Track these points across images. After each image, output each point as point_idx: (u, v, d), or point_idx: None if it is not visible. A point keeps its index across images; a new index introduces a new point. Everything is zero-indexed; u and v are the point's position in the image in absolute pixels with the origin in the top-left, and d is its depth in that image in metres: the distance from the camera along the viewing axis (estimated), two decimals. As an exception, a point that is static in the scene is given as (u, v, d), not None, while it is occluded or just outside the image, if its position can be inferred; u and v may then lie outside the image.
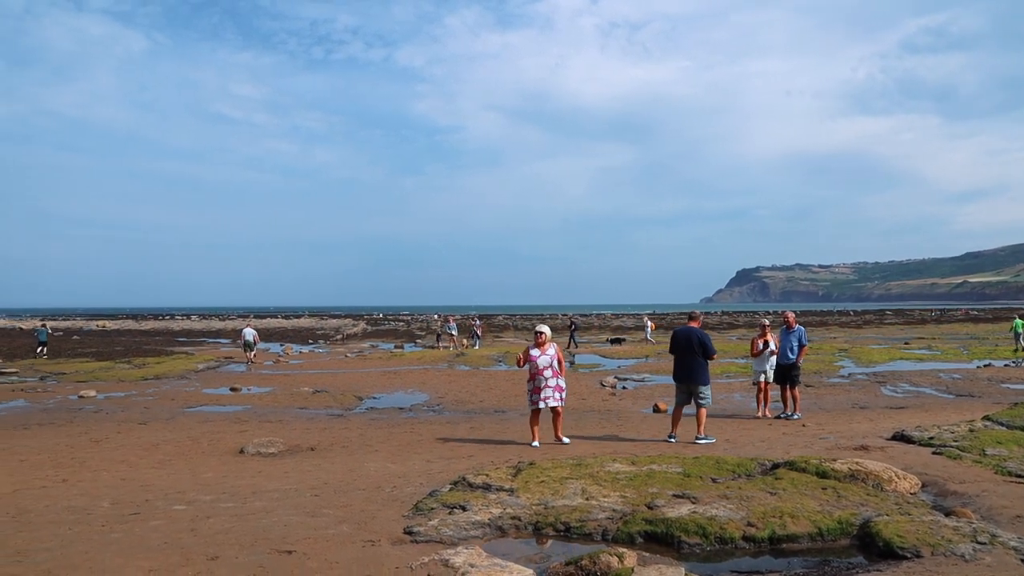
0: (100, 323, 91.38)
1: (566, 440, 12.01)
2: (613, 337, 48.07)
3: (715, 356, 12.51)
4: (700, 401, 12.09)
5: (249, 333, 31.78)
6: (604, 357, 34.18)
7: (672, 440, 11.92)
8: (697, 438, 11.82)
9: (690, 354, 12.09)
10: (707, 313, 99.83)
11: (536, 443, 11.77)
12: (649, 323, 42.98)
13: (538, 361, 11.88)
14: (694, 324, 12.39)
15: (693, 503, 7.04)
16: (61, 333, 66.84)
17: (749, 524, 6.44)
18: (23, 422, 16.09)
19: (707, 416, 12.38)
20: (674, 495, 7.34)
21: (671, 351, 12.51)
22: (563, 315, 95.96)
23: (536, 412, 12.05)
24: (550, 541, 6.56)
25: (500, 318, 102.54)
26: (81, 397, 20.37)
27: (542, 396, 11.87)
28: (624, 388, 21.00)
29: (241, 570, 5.64)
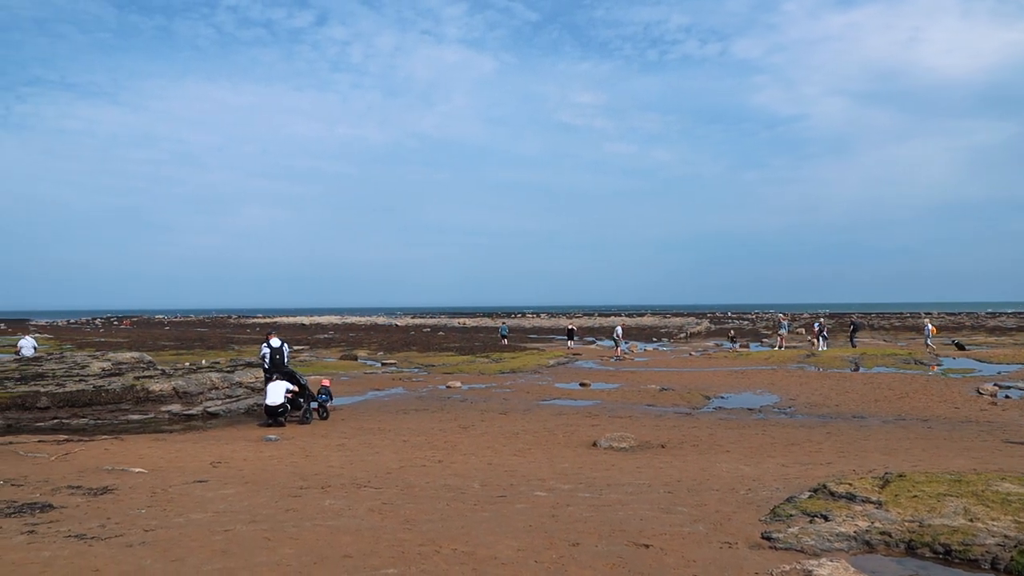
0: (461, 320, 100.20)
1: None
2: (957, 340, 43.25)
3: None
4: None
5: (619, 329, 39.10)
6: (979, 361, 30.60)
7: None
8: None
9: None
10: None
11: None
12: (929, 326, 38.60)
13: None
14: None
15: (1110, 535, 5.99)
16: (428, 329, 74.33)
17: None
18: (403, 407, 18.11)
19: None
20: (1083, 524, 6.31)
21: None
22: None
23: None
24: (926, 563, 5.96)
25: (854, 317, 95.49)
26: (448, 387, 22.48)
27: None
28: (1007, 397, 18.60)
29: (601, 558, 5.81)
